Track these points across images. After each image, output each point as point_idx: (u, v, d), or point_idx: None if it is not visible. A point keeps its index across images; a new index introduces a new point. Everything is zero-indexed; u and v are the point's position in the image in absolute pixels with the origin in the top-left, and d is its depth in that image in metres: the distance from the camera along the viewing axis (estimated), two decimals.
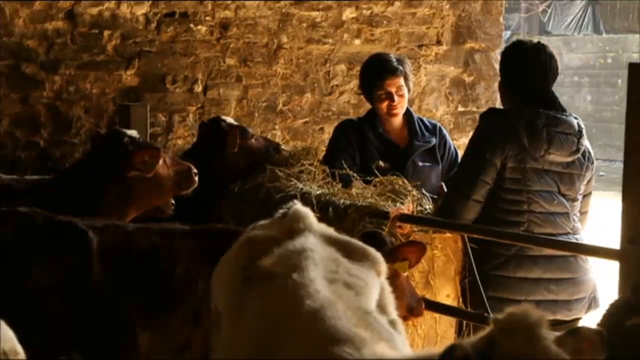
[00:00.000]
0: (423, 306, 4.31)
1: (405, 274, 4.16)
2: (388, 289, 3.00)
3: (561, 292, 4.84)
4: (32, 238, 4.01)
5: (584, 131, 4.96)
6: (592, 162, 5.02)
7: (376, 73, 5.86)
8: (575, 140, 4.90)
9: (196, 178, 5.22)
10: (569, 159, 4.91)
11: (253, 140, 6.05)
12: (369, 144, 5.88)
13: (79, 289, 3.94)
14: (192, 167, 5.23)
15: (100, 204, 4.90)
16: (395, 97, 5.82)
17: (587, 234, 5.08)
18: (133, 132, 5.17)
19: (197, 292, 4.00)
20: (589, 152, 5.00)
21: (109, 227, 4.16)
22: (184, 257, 4.08)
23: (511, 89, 5.02)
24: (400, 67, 5.85)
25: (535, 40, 5.33)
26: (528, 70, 4.97)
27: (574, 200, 4.95)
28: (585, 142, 4.97)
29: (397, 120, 5.95)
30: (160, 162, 5.07)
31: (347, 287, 2.79)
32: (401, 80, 5.84)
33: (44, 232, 4.03)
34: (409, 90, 5.93)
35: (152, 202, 5.12)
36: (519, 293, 4.79)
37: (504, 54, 5.18)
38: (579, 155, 4.93)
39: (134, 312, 3.99)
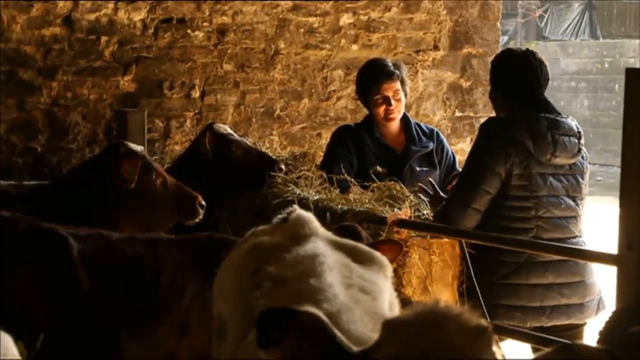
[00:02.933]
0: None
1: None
2: (394, 293, 3.00)
3: (573, 296, 4.84)
4: (13, 243, 3.98)
5: (582, 132, 4.98)
6: (589, 163, 5.05)
7: (372, 78, 5.86)
8: (577, 141, 4.91)
9: (201, 210, 5.10)
10: (572, 161, 4.92)
11: (239, 152, 5.88)
12: (367, 150, 5.88)
13: (59, 295, 3.91)
14: (199, 197, 5.10)
15: (90, 212, 4.86)
16: (392, 102, 5.83)
17: (585, 239, 5.08)
18: (138, 147, 5.12)
19: (183, 302, 3.98)
20: (586, 153, 5.03)
21: (92, 236, 4.12)
22: (169, 266, 4.04)
23: (505, 97, 5.02)
24: (397, 72, 5.86)
25: (524, 47, 5.34)
26: (520, 77, 4.98)
27: (582, 200, 4.96)
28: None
29: (394, 126, 5.95)
30: (158, 182, 5.01)
31: (363, 292, 2.78)
32: (398, 85, 5.84)
33: (25, 238, 4.00)
34: (405, 95, 5.93)
35: (145, 220, 5.04)
36: (532, 300, 4.79)
37: (494, 63, 5.18)
38: (580, 156, 4.96)
39: (118, 320, 3.95)
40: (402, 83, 5.88)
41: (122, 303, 3.98)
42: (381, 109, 5.86)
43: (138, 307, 3.99)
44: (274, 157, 6.02)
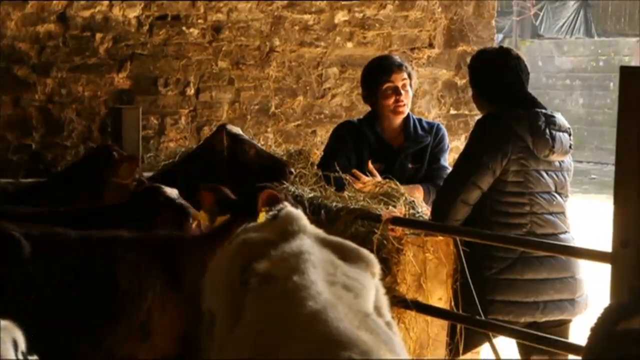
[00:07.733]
0: None
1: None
2: (382, 290, 3.01)
3: (565, 291, 4.86)
4: None
5: (571, 128, 5.01)
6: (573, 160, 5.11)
7: (383, 68, 5.85)
8: (568, 137, 4.93)
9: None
10: (565, 157, 4.94)
11: (252, 152, 5.83)
12: (365, 146, 5.86)
13: (8, 297, 3.81)
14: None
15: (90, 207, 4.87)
16: (402, 92, 5.81)
17: (578, 236, 5.10)
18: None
19: (143, 304, 3.93)
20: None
21: (46, 235, 4.04)
22: (127, 267, 3.98)
23: (488, 99, 5.01)
24: (405, 64, 5.91)
25: (497, 46, 5.34)
26: (501, 77, 4.97)
27: (567, 197, 4.98)
28: None
29: (398, 120, 5.90)
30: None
31: (346, 289, 2.79)
32: (406, 75, 5.85)
33: None
34: (412, 89, 5.94)
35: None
36: (528, 295, 4.80)
37: (471, 67, 5.16)
38: (570, 153, 4.98)
39: (71, 321, 3.88)
40: (409, 76, 5.89)
41: (75, 305, 3.90)
42: (391, 101, 5.81)
43: (92, 308, 3.91)
44: (285, 161, 5.97)
